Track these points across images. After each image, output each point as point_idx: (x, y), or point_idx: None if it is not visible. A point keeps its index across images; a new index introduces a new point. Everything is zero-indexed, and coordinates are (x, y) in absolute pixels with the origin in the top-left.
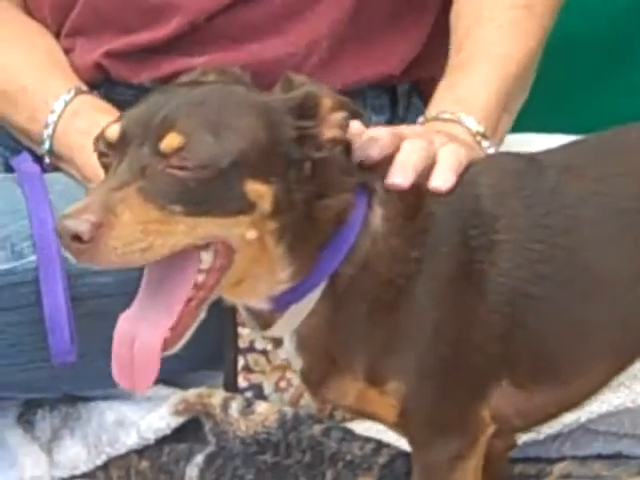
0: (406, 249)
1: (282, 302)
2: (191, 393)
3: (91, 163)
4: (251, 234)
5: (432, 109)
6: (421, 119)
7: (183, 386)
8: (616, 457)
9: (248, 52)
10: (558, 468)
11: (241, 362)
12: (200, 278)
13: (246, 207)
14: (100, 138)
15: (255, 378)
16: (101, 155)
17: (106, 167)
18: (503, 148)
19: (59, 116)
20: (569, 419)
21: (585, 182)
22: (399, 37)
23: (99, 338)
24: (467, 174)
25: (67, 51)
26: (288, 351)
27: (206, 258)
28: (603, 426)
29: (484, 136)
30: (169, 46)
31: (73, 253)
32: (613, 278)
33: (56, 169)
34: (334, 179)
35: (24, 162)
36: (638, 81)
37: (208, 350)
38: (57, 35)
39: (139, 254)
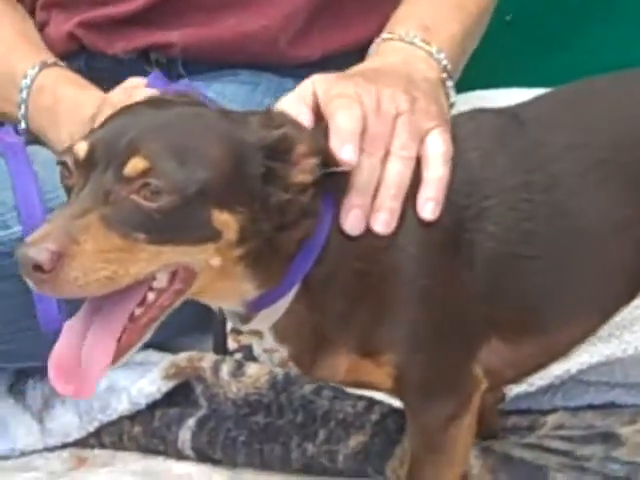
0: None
1: (254, 306)
2: (181, 357)
3: (61, 140)
4: (216, 261)
5: (396, 27)
6: (378, 40)
7: (173, 350)
8: (608, 407)
9: (224, 26)
10: (551, 419)
11: (230, 324)
12: (151, 296)
13: (212, 235)
14: (67, 153)
15: (244, 339)
16: (63, 177)
17: (68, 189)
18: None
19: (27, 94)
20: (560, 370)
21: (563, 135)
22: (380, 5)
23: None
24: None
25: (43, 24)
26: (270, 342)
27: (161, 277)
28: (594, 376)
29: (450, 75)
30: (144, 18)
31: (34, 282)
32: (592, 229)
33: (38, 141)
34: (298, 213)
35: (6, 134)
36: (607, 36)
37: (197, 313)
38: (32, 9)
39: (101, 284)
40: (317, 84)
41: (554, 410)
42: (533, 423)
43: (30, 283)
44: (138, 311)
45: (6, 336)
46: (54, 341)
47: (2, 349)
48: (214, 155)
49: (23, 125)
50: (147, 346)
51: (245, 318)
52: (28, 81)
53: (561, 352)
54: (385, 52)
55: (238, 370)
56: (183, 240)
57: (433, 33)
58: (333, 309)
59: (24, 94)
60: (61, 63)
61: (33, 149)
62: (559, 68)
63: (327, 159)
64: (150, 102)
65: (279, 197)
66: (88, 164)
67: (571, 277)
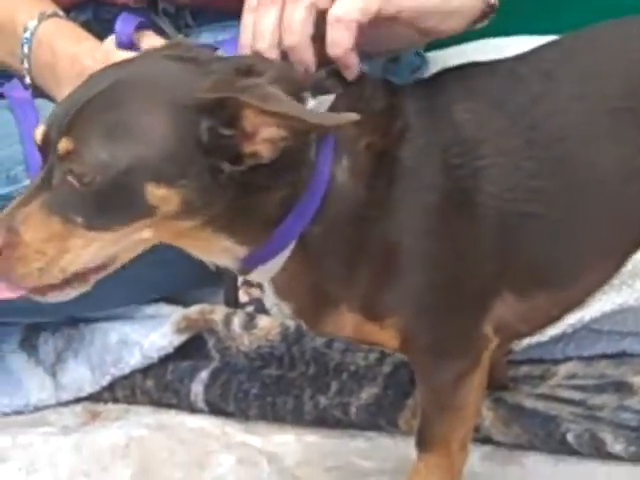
0: (380, 193)
1: (247, 263)
2: (193, 310)
3: (63, 96)
4: (146, 233)
5: None
6: None
7: (185, 304)
8: (620, 356)
9: None
10: (563, 368)
11: (241, 277)
12: None
13: (146, 212)
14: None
15: (255, 292)
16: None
17: None
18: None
19: (29, 48)
20: (573, 319)
21: (570, 86)
22: None
23: None
24: (441, 100)
25: None
26: (272, 298)
27: None
28: (607, 325)
29: None
30: None
31: None
32: (605, 180)
33: (45, 95)
34: (267, 178)
35: (15, 89)
36: None
37: (207, 266)
38: None
39: (35, 276)
40: None
41: (567, 359)
42: (545, 372)
43: None
44: None
45: None
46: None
47: (16, 305)
48: (151, 127)
49: (29, 80)
50: (158, 299)
51: (243, 270)
52: (28, 35)
53: (576, 303)
54: None
55: (250, 323)
56: (119, 222)
57: None
58: (332, 269)
59: (26, 49)
60: (60, 13)
61: (40, 103)
62: (575, 14)
63: (296, 124)
64: (117, 65)
65: (230, 169)
66: (45, 147)
67: (584, 230)
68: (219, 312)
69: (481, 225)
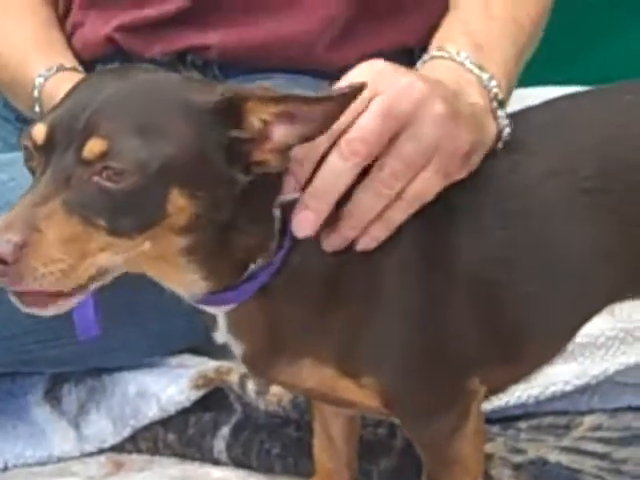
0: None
1: (204, 301)
2: (210, 368)
3: None
4: (147, 245)
5: (447, 44)
6: (426, 57)
7: (209, 354)
8: None
9: (263, 28)
10: (589, 419)
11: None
12: None
13: (158, 219)
14: (26, 137)
15: None
16: (27, 159)
17: (32, 171)
18: None
19: (40, 107)
20: (597, 370)
21: (541, 160)
22: (416, 9)
23: (122, 308)
24: None
25: (78, 24)
26: (224, 334)
27: None
28: (632, 378)
29: (501, 103)
30: (181, 20)
31: None
32: (577, 259)
33: None
34: (245, 218)
35: None
36: None
37: None
38: (68, 9)
39: (55, 277)
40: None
41: (591, 411)
42: (570, 423)
43: None
44: None
45: (46, 343)
46: (92, 347)
47: (42, 356)
48: (176, 130)
49: None
50: (182, 350)
51: (197, 301)
52: (36, 94)
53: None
54: (437, 69)
55: (262, 387)
56: (136, 228)
57: (486, 54)
58: (296, 317)
59: (37, 108)
60: (67, 65)
61: None
62: (595, 65)
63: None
64: (112, 71)
65: (238, 179)
66: (48, 147)
67: (551, 304)
68: (234, 374)
69: (459, 288)
